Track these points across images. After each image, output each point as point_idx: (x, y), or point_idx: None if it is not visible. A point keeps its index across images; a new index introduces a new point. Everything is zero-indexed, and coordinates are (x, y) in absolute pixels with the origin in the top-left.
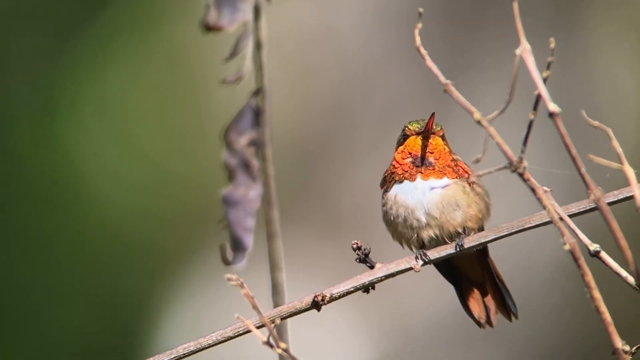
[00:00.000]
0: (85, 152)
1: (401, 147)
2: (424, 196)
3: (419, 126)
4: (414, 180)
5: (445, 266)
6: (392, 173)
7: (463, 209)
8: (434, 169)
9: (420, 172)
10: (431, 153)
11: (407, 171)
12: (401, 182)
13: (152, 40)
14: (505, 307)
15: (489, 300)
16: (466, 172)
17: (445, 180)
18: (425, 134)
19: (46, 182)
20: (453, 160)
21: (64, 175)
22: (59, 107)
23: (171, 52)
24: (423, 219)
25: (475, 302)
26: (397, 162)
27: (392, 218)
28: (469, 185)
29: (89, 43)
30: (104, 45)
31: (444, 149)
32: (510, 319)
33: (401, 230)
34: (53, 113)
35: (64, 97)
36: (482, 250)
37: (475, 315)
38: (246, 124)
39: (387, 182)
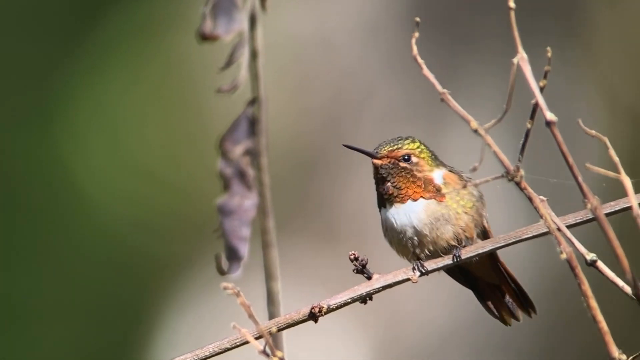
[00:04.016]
0: (80, 163)
1: None
2: (409, 218)
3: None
4: (392, 205)
5: (460, 273)
6: (377, 198)
7: (452, 222)
8: (397, 194)
9: (393, 197)
10: (385, 178)
11: (380, 197)
12: (384, 207)
13: (148, 50)
14: (522, 305)
15: (510, 298)
16: (438, 185)
17: (420, 202)
18: (373, 160)
19: (41, 193)
20: (418, 178)
21: (59, 186)
22: (54, 117)
23: (167, 61)
24: (415, 239)
25: (497, 302)
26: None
27: (389, 240)
28: (442, 196)
29: (85, 53)
30: (100, 55)
31: (404, 170)
32: (530, 315)
33: (399, 250)
34: (48, 123)
35: (59, 107)
36: (490, 255)
37: (498, 314)
38: (242, 133)
39: (378, 205)
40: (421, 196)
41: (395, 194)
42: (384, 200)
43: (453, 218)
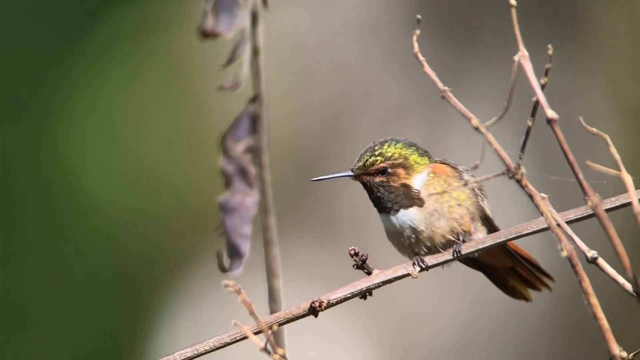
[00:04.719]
0: (79, 161)
1: None
2: (401, 223)
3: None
4: (384, 213)
5: (471, 261)
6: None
7: (445, 216)
8: (384, 205)
9: (382, 207)
10: (369, 193)
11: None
12: (380, 213)
13: (149, 47)
14: (539, 279)
15: (525, 275)
16: (416, 191)
17: (409, 210)
18: (359, 179)
19: (40, 192)
20: (396, 188)
21: (57, 184)
22: (54, 115)
23: (168, 59)
24: (413, 237)
25: (512, 281)
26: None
27: (389, 239)
28: (437, 193)
29: (84, 51)
30: (100, 52)
31: (381, 184)
32: (550, 289)
33: (400, 249)
34: (48, 120)
35: (58, 105)
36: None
37: (516, 292)
38: (243, 130)
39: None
40: (405, 205)
41: (382, 205)
42: (381, 210)
43: (446, 211)
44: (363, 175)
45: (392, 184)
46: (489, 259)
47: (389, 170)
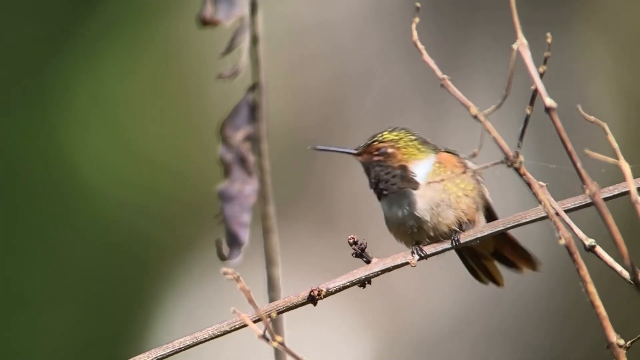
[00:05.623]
0: (79, 148)
1: None
2: (403, 208)
3: (361, 146)
4: (384, 197)
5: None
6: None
7: (453, 206)
8: (383, 187)
9: (380, 190)
10: (368, 173)
11: (376, 187)
12: (380, 199)
13: (148, 35)
14: (527, 259)
15: (510, 256)
16: (411, 174)
17: (409, 192)
18: (360, 158)
19: (39, 178)
20: (393, 169)
21: (57, 171)
22: (52, 102)
23: (167, 47)
24: (415, 225)
25: (488, 264)
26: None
27: (388, 226)
28: (443, 180)
29: (83, 38)
30: (99, 39)
31: (378, 163)
32: (535, 269)
33: (399, 236)
34: (46, 108)
35: (57, 92)
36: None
37: (488, 276)
38: (242, 119)
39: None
40: (404, 187)
41: (381, 187)
42: (377, 193)
43: (454, 202)
44: (364, 153)
45: (389, 163)
46: (479, 247)
47: (388, 151)
